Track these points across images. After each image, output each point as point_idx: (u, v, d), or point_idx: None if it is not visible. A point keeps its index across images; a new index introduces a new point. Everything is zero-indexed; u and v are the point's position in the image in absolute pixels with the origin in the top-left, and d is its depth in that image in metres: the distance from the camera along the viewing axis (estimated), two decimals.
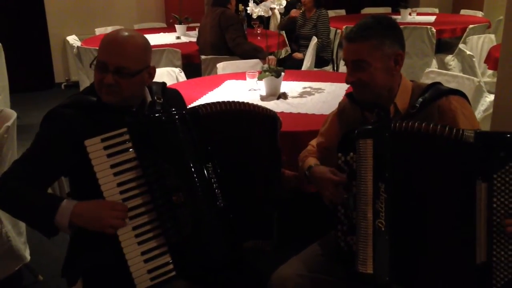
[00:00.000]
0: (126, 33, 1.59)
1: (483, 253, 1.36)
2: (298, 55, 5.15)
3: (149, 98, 1.70)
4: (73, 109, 1.58)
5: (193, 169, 1.55)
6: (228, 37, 4.02)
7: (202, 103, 1.67)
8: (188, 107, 1.69)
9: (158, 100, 1.68)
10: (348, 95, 1.77)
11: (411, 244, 1.45)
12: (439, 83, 1.67)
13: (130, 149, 1.51)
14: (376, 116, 1.61)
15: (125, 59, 1.55)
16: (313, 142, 1.90)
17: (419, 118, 1.51)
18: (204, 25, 4.26)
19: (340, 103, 1.85)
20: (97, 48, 1.60)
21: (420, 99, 1.59)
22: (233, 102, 1.66)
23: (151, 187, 1.51)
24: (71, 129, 1.53)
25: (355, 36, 1.57)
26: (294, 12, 5.34)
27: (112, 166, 1.49)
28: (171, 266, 1.52)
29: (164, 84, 1.81)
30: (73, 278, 1.65)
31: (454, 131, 1.39)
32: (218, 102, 1.64)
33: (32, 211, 1.50)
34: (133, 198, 1.50)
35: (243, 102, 1.68)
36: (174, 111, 1.59)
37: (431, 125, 1.41)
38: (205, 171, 1.57)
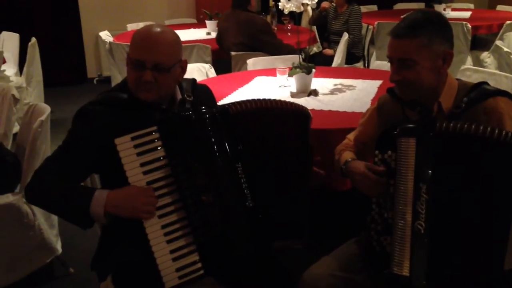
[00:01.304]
0: (158, 29, 1.58)
1: None
2: (328, 51, 5.09)
3: (179, 96, 1.69)
4: (104, 106, 1.59)
5: (223, 169, 1.54)
6: (267, 46, 3.99)
7: (232, 100, 1.66)
8: (218, 105, 1.68)
9: (188, 98, 1.67)
10: (389, 90, 1.72)
11: (449, 248, 1.41)
12: (485, 83, 1.60)
13: (160, 148, 1.50)
14: (418, 114, 1.56)
15: (161, 55, 1.55)
16: (351, 135, 1.87)
17: (463, 119, 1.46)
18: (226, 28, 4.18)
19: (380, 98, 1.80)
20: (129, 43, 1.60)
21: (466, 99, 1.54)
22: (264, 99, 1.63)
23: (181, 186, 1.50)
24: (102, 127, 1.54)
25: (403, 32, 1.50)
26: (325, 4, 5.25)
27: (142, 165, 1.48)
28: (199, 265, 1.52)
29: (194, 80, 1.81)
30: (103, 273, 1.66)
31: (503, 133, 1.34)
32: (248, 100, 1.61)
33: (66, 204, 1.52)
34: (162, 196, 1.50)
35: (273, 100, 1.65)
36: (204, 109, 1.57)
37: (480, 127, 1.36)
38: (235, 172, 1.55)
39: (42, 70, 4.64)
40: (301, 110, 1.69)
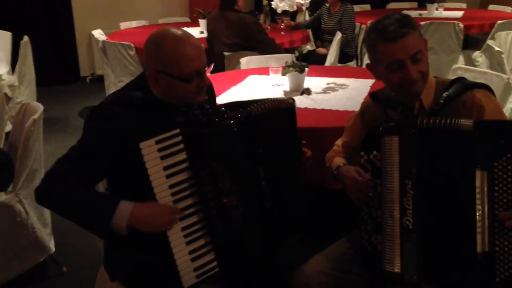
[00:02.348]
0: (185, 33, 1.55)
1: (486, 243, 1.34)
2: (321, 50, 5.11)
3: None
4: (121, 107, 1.53)
5: (245, 173, 1.54)
6: (260, 44, 3.99)
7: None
8: (236, 105, 1.65)
9: (205, 98, 1.65)
10: (371, 94, 1.75)
11: (438, 241, 1.42)
12: (463, 78, 1.63)
13: (183, 151, 1.48)
14: (400, 114, 1.59)
15: (204, 58, 1.56)
16: (338, 142, 1.89)
17: (444, 114, 1.48)
18: (216, 30, 4.16)
19: (363, 103, 1.83)
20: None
21: (444, 95, 1.56)
22: (276, 99, 1.65)
23: (203, 189, 1.50)
24: (120, 128, 1.49)
25: (405, 31, 1.48)
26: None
27: (165, 168, 1.46)
28: (214, 263, 1.54)
29: None
30: (115, 273, 1.63)
31: (449, 121, 1.38)
32: (261, 101, 1.60)
33: (88, 213, 1.48)
34: (184, 199, 1.50)
35: (274, 98, 1.67)
36: (226, 112, 1.55)
37: (455, 120, 1.39)
38: (258, 175, 1.56)
39: (34, 68, 4.62)
40: (292, 103, 1.71)
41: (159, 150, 1.45)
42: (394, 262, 1.46)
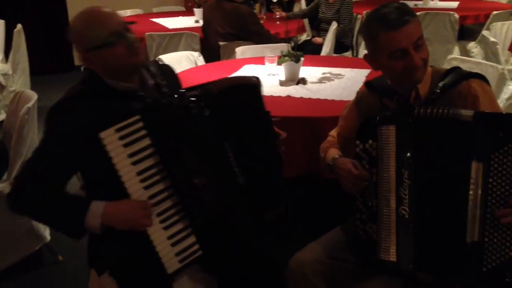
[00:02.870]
0: (91, 7, 1.59)
1: (476, 233, 1.36)
2: (317, 39, 5.10)
3: (148, 80, 1.66)
4: (78, 101, 1.54)
5: (211, 150, 1.55)
6: (254, 35, 3.97)
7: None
8: (198, 86, 1.65)
9: (162, 82, 1.65)
10: (366, 84, 1.75)
11: (432, 230, 1.44)
12: (458, 68, 1.63)
13: (146, 136, 1.49)
14: (396, 103, 1.59)
15: (118, 18, 1.59)
16: (333, 132, 1.89)
17: (439, 103, 1.49)
18: (211, 19, 4.13)
19: (358, 92, 1.83)
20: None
21: (440, 84, 1.56)
22: (236, 77, 1.65)
23: (171, 172, 1.50)
24: (81, 122, 1.49)
25: (407, 18, 1.47)
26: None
27: (130, 156, 1.46)
28: (197, 246, 1.55)
29: (156, 62, 1.81)
30: (101, 268, 1.63)
31: (448, 111, 1.38)
32: (221, 79, 1.62)
33: (60, 216, 1.49)
34: (154, 185, 1.50)
35: (238, 76, 1.68)
36: (185, 92, 1.56)
37: (453, 110, 1.39)
38: (224, 151, 1.57)
39: (28, 57, 4.59)
40: (254, 80, 1.68)
41: (120, 138, 1.45)
42: (389, 251, 1.47)
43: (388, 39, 1.49)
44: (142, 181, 1.49)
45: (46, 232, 2.47)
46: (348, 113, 1.83)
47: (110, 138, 1.44)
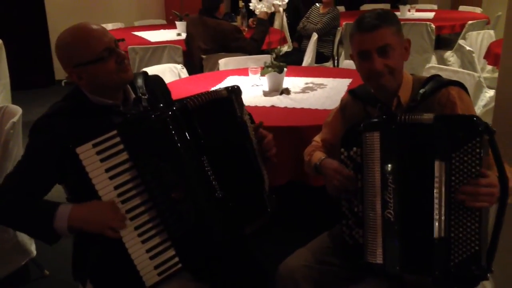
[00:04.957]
0: (82, 22, 1.59)
1: (442, 229, 1.41)
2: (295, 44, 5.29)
3: (131, 95, 1.69)
4: (59, 117, 1.56)
5: (189, 165, 1.56)
6: (236, 50, 3.99)
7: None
8: (174, 101, 1.67)
9: (143, 96, 1.67)
10: (350, 91, 1.80)
11: (411, 231, 1.47)
12: (438, 76, 1.69)
13: (123, 151, 1.49)
14: (379, 110, 1.65)
15: (108, 34, 1.61)
16: (317, 138, 1.92)
17: (420, 110, 1.54)
18: (194, 34, 4.16)
19: (342, 99, 1.87)
20: None
21: (421, 92, 1.62)
22: (211, 91, 1.65)
23: (149, 186, 1.51)
24: (60, 138, 1.50)
25: (377, 23, 1.56)
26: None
27: (107, 170, 1.47)
28: (176, 259, 1.55)
29: (145, 73, 1.81)
30: (83, 279, 1.65)
31: (415, 116, 1.46)
32: (201, 94, 1.62)
33: (30, 221, 1.50)
34: (131, 199, 1.50)
35: (216, 90, 1.67)
36: (162, 107, 1.57)
37: (429, 116, 1.45)
38: (201, 165, 1.58)
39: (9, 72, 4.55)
40: (226, 93, 1.67)
41: (98, 153, 1.46)
42: (376, 253, 1.51)
43: (357, 40, 1.59)
44: (120, 195, 1.49)
45: (32, 247, 2.45)
46: (332, 120, 1.87)
47: (87, 153, 1.45)
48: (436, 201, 1.42)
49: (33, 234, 1.55)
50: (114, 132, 1.49)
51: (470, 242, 1.39)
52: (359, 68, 1.64)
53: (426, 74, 3.16)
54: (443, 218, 1.41)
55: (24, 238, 2.37)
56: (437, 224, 1.42)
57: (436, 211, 1.42)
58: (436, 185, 1.41)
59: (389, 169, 1.48)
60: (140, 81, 1.73)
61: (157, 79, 1.88)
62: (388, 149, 1.49)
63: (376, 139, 1.50)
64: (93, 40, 1.54)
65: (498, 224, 1.41)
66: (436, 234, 1.42)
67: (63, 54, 1.58)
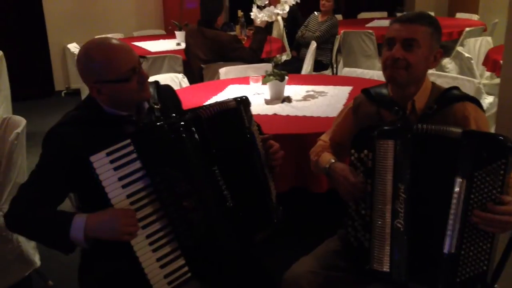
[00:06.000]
0: (109, 39, 1.60)
1: (453, 245, 1.41)
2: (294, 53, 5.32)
3: (145, 104, 1.70)
4: (72, 126, 1.58)
5: (201, 174, 1.56)
6: (236, 60, 3.98)
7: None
8: (187, 111, 1.68)
9: (156, 106, 1.69)
10: (364, 91, 1.78)
11: (422, 242, 1.47)
12: (457, 88, 1.69)
13: (136, 160, 1.50)
14: (394, 114, 1.64)
15: (134, 54, 1.62)
16: (323, 137, 1.91)
17: (434, 120, 1.54)
18: (192, 44, 4.16)
19: (355, 98, 1.84)
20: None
21: (438, 101, 1.61)
22: (221, 102, 1.66)
23: (161, 195, 1.52)
24: (74, 147, 1.52)
25: (414, 18, 1.58)
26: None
27: (120, 179, 1.49)
28: (186, 268, 1.56)
29: (157, 83, 1.81)
30: (90, 286, 1.65)
31: (441, 128, 1.44)
32: (211, 104, 1.64)
33: (46, 232, 1.50)
34: (143, 207, 1.51)
35: (225, 100, 1.68)
36: (176, 117, 1.59)
37: (451, 129, 1.44)
38: (213, 175, 1.59)
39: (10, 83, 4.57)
40: (234, 103, 1.68)
41: (111, 161, 1.47)
42: (383, 261, 1.51)
43: (390, 28, 1.63)
44: (132, 203, 1.50)
45: (36, 257, 2.44)
46: (343, 119, 1.85)
47: (100, 161, 1.46)
48: (451, 217, 1.41)
49: (49, 243, 1.52)
50: (128, 141, 1.50)
51: (479, 261, 1.39)
52: (382, 57, 1.64)
53: None
54: (456, 234, 1.40)
55: (28, 248, 2.37)
56: (449, 239, 1.41)
57: (449, 227, 1.41)
58: (454, 201, 1.40)
59: (402, 179, 1.47)
60: (152, 91, 1.73)
61: (169, 88, 1.89)
62: (402, 158, 1.48)
63: (390, 148, 1.49)
64: (120, 60, 1.55)
65: (509, 247, 1.41)
66: (446, 249, 1.42)
67: (86, 69, 1.58)
